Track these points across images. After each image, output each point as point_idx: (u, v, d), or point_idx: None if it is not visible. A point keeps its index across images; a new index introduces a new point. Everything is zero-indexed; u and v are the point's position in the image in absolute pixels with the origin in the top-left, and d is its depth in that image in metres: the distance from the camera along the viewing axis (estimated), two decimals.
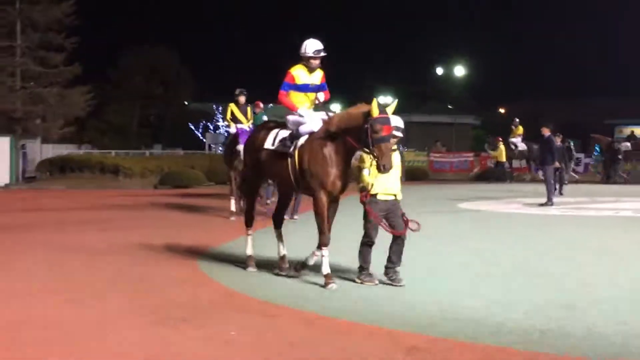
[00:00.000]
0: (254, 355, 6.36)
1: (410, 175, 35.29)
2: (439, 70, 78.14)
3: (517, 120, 36.39)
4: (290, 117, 9.98)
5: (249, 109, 18.47)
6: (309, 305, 8.27)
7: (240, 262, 10.95)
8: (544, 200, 21.00)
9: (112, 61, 63.42)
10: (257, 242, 12.52)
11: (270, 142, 10.01)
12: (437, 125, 57.41)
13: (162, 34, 75.39)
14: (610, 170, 33.88)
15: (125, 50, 63.24)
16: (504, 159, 35.14)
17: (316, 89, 10.14)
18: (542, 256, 11.80)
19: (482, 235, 14.49)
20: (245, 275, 10.18)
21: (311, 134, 9.60)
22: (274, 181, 10.93)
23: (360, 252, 9.45)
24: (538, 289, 9.03)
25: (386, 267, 9.39)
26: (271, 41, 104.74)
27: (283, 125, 10.18)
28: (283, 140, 9.80)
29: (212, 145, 53.90)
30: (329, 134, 9.39)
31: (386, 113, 9.02)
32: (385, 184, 9.32)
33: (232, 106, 18.32)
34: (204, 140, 60.03)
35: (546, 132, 21.56)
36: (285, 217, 15.69)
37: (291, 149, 9.65)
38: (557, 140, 24.12)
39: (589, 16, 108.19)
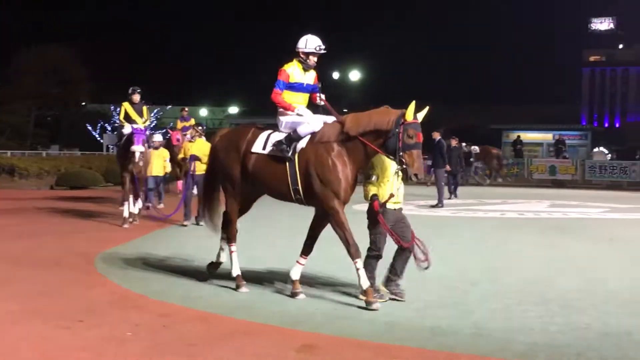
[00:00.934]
0: (150, 355, 6.40)
1: None
2: (335, 75, 78.77)
3: None
4: (285, 118, 9.10)
5: (144, 108, 17.31)
6: (205, 304, 8.34)
7: (137, 262, 10.94)
8: (435, 202, 21.52)
9: (4, 61, 61.98)
10: (149, 244, 12.54)
11: (260, 146, 9.05)
12: None
13: (59, 34, 73.88)
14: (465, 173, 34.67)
15: (19, 49, 61.88)
16: None
17: (310, 89, 9.28)
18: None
19: None
20: (142, 275, 10.12)
21: (312, 135, 8.77)
22: (265, 190, 9.38)
23: (365, 263, 8.57)
24: (429, 288, 9.28)
25: (388, 279, 8.77)
26: (170, 41, 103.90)
27: (274, 128, 9.27)
28: (278, 143, 8.86)
29: (110, 146, 53.22)
30: (343, 137, 8.58)
31: (417, 118, 8.36)
32: (390, 192, 8.71)
33: (125, 105, 17.10)
34: (102, 141, 59.15)
35: (436, 136, 22.08)
36: (186, 222, 15.74)
37: (290, 153, 8.74)
38: (453, 143, 24.64)
39: (478, 27, 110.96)
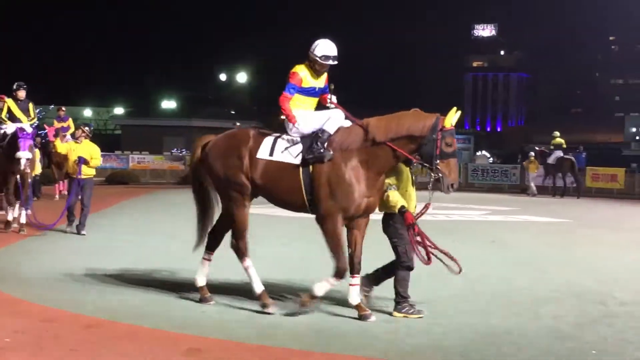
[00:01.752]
0: None
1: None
2: (222, 76, 78.61)
3: None
4: (297, 121, 8.32)
5: (30, 105, 15.86)
6: (91, 309, 8.17)
7: (18, 267, 10.66)
8: None
9: None
10: (30, 249, 12.23)
11: (266, 152, 8.33)
12: (218, 130, 57.60)
13: None
14: None
15: None
16: None
17: (320, 92, 8.57)
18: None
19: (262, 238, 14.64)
20: (23, 280, 9.84)
21: (330, 141, 8.06)
22: (273, 200, 8.63)
23: (397, 279, 8.15)
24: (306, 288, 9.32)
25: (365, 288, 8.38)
26: (52, 38, 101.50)
27: (279, 131, 8.52)
28: (312, 148, 8.00)
29: None
30: (368, 143, 7.98)
31: (453, 125, 7.99)
32: (414, 202, 8.33)
33: (9, 102, 15.63)
34: None
35: None
36: (68, 229, 14.79)
37: (330, 155, 7.96)
38: None
39: (359, 31, 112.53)
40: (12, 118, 15.35)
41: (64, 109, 25.78)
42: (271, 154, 8.28)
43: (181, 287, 9.33)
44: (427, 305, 8.56)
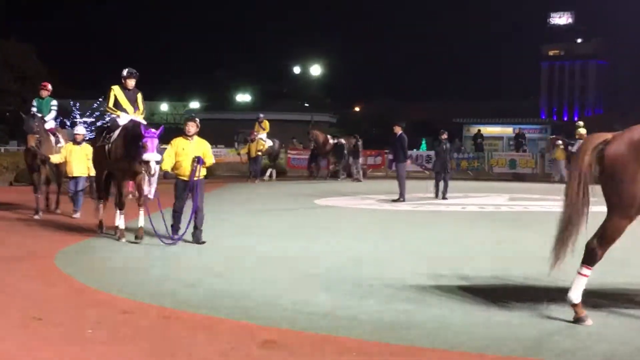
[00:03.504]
0: (111, 353, 6.34)
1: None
2: (296, 69, 78.94)
3: None
4: None
5: (139, 96, 13.64)
6: (167, 301, 8.28)
7: (97, 260, 10.91)
8: (396, 196, 21.57)
9: None
10: (108, 242, 12.47)
11: None
12: (294, 123, 57.89)
13: (15, 29, 73.19)
14: (352, 167, 34.37)
15: None
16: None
17: None
18: (394, 251, 12.16)
19: (335, 231, 14.71)
20: (103, 272, 10.06)
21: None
22: None
23: None
24: (389, 283, 9.31)
25: None
26: (132, 39, 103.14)
27: None
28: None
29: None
30: None
31: None
32: None
33: (115, 90, 13.42)
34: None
35: (398, 130, 22.13)
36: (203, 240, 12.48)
37: None
38: (443, 138, 23.49)
39: (437, 21, 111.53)
40: (118, 109, 13.42)
41: None
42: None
43: (256, 281, 9.43)
44: (503, 297, 8.48)
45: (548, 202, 22.03)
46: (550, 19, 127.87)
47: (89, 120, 66.11)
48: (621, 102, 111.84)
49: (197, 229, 12.55)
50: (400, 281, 9.41)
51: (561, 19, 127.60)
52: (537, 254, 11.86)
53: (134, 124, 12.91)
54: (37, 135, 16.49)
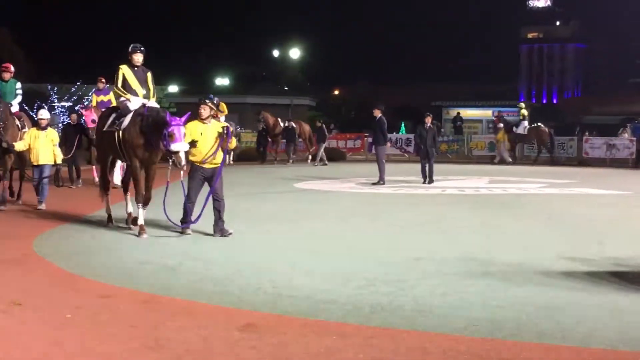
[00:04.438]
0: (90, 337, 6.32)
1: (247, 156, 35.52)
2: (275, 53, 78.73)
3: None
4: None
5: (149, 76, 12.51)
6: (147, 285, 8.27)
7: (76, 244, 10.84)
8: (376, 179, 21.61)
9: None
10: (88, 227, 12.41)
11: None
12: (273, 107, 57.76)
13: None
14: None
15: None
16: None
17: None
18: (375, 234, 12.19)
19: (317, 215, 14.73)
20: (81, 256, 10.00)
21: None
22: None
23: None
24: (370, 266, 9.35)
25: None
26: (110, 23, 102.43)
27: None
28: None
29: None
30: None
31: None
32: None
33: (124, 69, 12.31)
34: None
35: (377, 113, 22.13)
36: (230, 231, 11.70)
37: None
38: (427, 122, 22.80)
39: (417, 4, 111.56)
40: (128, 90, 12.30)
41: (103, 80, 21.22)
42: None
43: (237, 265, 9.44)
44: (482, 278, 8.54)
45: (527, 184, 22.15)
46: (529, 1, 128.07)
47: (67, 104, 65.58)
48: (599, 85, 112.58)
49: (220, 220, 11.66)
50: (381, 265, 9.44)
51: (540, 1, 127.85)
52: (516, 237, 12.03)
53: (156, 110, 11.97)
54: (1, 122, 15.34)
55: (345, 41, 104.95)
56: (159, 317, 6.99)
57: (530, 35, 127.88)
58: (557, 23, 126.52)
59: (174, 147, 11.14)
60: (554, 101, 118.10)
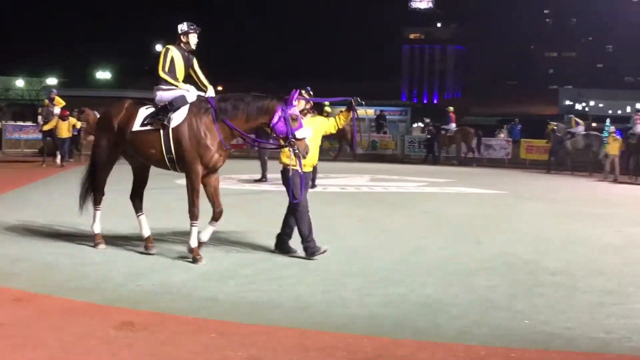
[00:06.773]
0: None
1: None
2: (158, 47, 77.67)
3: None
4: None
5: (195, 62, 10.43)
6: (20, 283, 8.03)
7: None
8: (258, 176, 21.56)
9: None
10: None
11: None
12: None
13: None
14: None
15: None
16: None
17: None
18: (255, 231, 12.16)
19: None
20: None
21: None
22: None
23: None
24: (249, 263, 9.35)
25: None
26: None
27: None
28: None
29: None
30: None
31: None
32: None
33: (173, 51, 10.15)
34: None
35: None
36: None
37: None
38: None
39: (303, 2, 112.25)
40: (172, 75, 10.06)
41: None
42: None
43: (114, 262, 9.26)
44: (361, 276, 8.63)
45: (407, 182, 22.54)
46: (411, 2, 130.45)
47: None
48: (477, 86, 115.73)
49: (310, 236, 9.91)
50: (261, 262, 9.44)
51: (422, 2, 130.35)
52: (396, 235, 12.22)
53: (256, 95, 9.93)
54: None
55: (229, 36, 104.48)
56: (32, 316, 6.79)
57: (412, 36, 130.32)
58: (438, 25, 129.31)
59: (299, 133, 9.19)
60: (435, 101, 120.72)
